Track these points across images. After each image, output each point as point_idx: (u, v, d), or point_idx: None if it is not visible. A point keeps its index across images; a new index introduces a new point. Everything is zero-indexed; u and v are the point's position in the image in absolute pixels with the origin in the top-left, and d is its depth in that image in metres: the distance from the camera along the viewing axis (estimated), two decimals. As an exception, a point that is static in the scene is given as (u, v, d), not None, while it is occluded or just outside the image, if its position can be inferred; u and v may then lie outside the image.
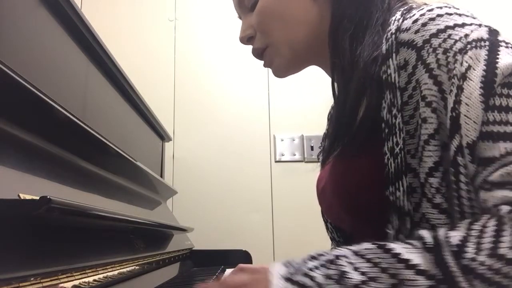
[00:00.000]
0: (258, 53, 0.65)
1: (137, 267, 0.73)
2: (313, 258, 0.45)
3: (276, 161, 1.87)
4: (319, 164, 0.71)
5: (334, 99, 0.63)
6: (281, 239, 1.79)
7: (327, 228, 0.72)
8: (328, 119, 0.76)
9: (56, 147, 0.61)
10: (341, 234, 0.70)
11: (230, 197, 1.81)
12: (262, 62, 0.67)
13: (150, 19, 1.98)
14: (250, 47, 0.66)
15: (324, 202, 0.66)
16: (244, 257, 1.30)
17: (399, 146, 0.47)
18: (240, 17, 0.68)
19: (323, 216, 0.73)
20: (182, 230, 1.18)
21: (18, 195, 0.43)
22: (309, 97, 1.89)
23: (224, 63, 1.95)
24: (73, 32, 0.74)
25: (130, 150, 1.00)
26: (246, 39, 0.65)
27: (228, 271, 1.05)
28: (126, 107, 1.08)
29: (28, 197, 0.44)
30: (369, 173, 0.51)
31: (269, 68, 0.67)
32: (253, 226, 1.79)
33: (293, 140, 1.89)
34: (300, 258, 0.45)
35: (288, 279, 0.43)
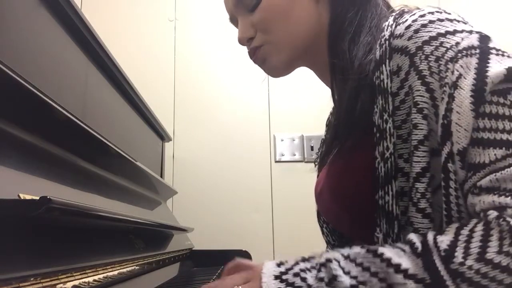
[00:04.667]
0: (253, 51, 0.64)
1: (137, 267, 0.73)
2: (305, 260, 0.46)
3: (276, 161, 1.87)
4: (316, 168, 0.71)
5: (334, 102, 0.63)
6: (281, 239, 1.79)
7: (323, 232, 0.73)
8: (327, 125, 0.77)
9: (56, 147, 0.61)
10: (336, 238, 0.70)
11: (230, 197, 1.81)
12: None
13: (150, 19, 1.98)
14: None
15: (322, 204, 0.66)
16: (244, 257, 1.30)
17: (390, 151, 0.48)
18: (231, 20, 0.67)
19: (319, 220, 0.73)
20: (182, 230, 1.19)
21: (18, 195, 0.43)
22: (309, 97, 1.88)
23: (224, 63, 1.95)
24: (73, 32, 0.74)
25: (130, 150, 1.00)
26: (246, 40, 0.63)
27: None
28: (126, 107, 1.08)
29: (28, 197, 0.44)
30: (365, 173, 0.51)
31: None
32: (253, 226, 1.79)
33: (293, 140, 1.89)
34: (293, 259, 0.46)
35: (279, 277, 0.44)
